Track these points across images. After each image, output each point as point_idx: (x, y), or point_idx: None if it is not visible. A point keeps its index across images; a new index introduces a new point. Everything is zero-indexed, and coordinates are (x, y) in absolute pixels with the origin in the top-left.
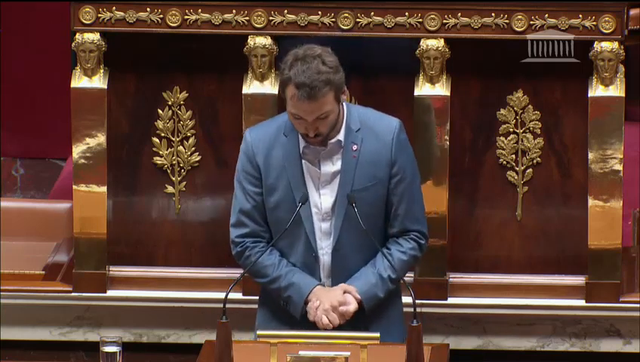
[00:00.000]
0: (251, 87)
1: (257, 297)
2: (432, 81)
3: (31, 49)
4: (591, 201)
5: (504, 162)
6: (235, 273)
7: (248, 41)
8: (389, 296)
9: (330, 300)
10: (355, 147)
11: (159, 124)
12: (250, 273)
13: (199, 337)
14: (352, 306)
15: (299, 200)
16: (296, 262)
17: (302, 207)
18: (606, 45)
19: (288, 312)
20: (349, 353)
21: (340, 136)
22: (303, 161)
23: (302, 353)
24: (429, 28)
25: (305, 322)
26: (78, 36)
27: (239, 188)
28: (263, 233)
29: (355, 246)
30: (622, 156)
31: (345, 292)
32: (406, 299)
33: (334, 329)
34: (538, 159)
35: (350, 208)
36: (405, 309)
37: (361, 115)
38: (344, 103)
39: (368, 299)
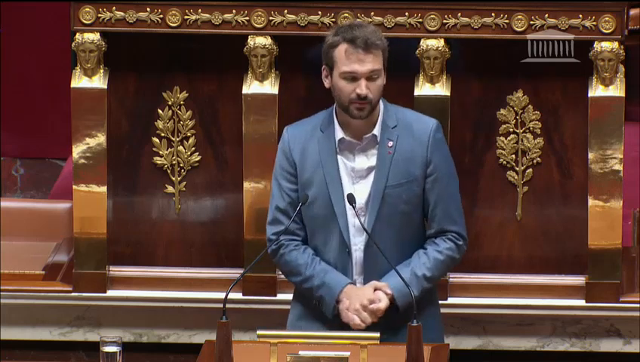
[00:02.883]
0: (251, 87)
1: (258, 297)
2: (432, 81)
3: (31, 49)
4: (591, 201)
5: (504, 162)
6: (235, 273)
7: (248, 41)
8: (426, 296)
9: (360, 299)
10: (390, 143)
11: (159, 124)
12: (283, 272)
13: (199, 337)
14: (383, 303)
15: (299, 200)
16: (330, 258)
17: (335, 203)
18: (606, 45)
19: (320, 311)
20: (349, 353)
21: (376, 131)
22: (339, 156)
23: (302, 353)
24: (429, 28)
25: (337, 321)
26: (78, 36)
27: (276, 186)
28: (298, 231)
29: (388, 244)
30: (622, 156)
31: (375, 289)
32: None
33: (368, 328)
34: (538, 159)
35: (383, 204)
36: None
37: (398, 112)
38: (381, 100)
39: (401, 297)
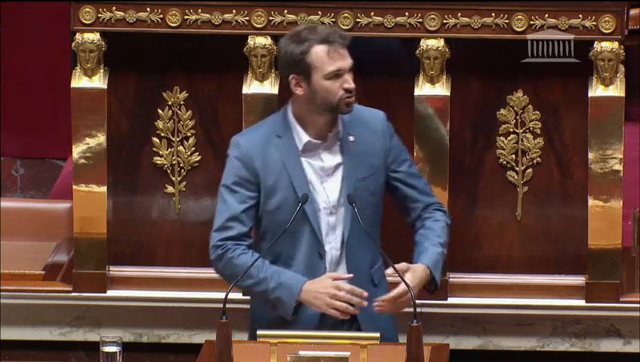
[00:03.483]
0: (251, 87)
1: None
2: (432, 81)
3: (31, 49)
4: (591, 201)
5: (504, 162)
6: None
7: (248, 41)
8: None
9: (329, 288)
10: (352, 138)
11: (159, 124)
12: (229, 276)
13: (199, 337)
14: (401, 287)
15: (299, 200)
16: (298, 261)
17: (305, 205)
18: (606, 45)
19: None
20: (349, 353)
21: (339, 127)
22: (302, 159)
23: (302, 353)
24: (429, 28)
25: (296, 321)
26: (78, 36)
27: (229, 194)
28: (245, 238)
29: (364, 237)
30: (622, 156)
31: (334, 279)
32: None
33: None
34: (538, 159)
35: (358, 197)
36: (405, 309)
37: None
38: None
39: (437, 271)
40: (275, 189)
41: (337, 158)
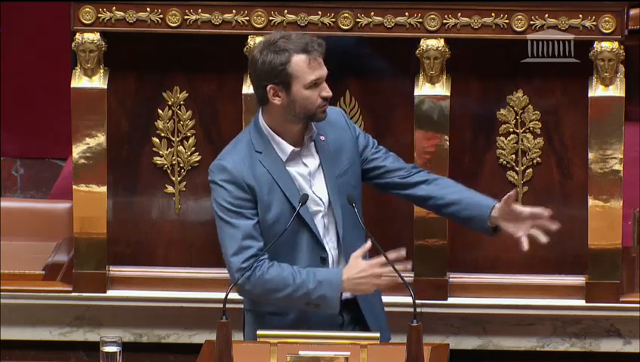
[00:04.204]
0: (251, 87)
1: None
2: (432, 81)
3: (31, 49)
4: (591, 201)
5: (504, 162)
6: None
7: (248, 41)
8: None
9: (364, 266)
10: (323, 137)
11: (159, 124)
12: (264, 292)
13: (199, 337)
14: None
15: (299, 201)
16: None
17: (303, 213)
18: (606, 45)
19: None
20: (349, 353)
21: (314, 129)
22: (288, 168)
23: (302, 353)
24: (429, 28)
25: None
26: (78, 36)
27: (233, 217)
28: (264, 252)
29: (354, 232)
30: (622, 156)
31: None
32: (406, 299)
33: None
34: (538, 159)
35: (339, 195)
36: (405, 309)
37: None
38: None
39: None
40: (270, 204)
41: (317, 160)
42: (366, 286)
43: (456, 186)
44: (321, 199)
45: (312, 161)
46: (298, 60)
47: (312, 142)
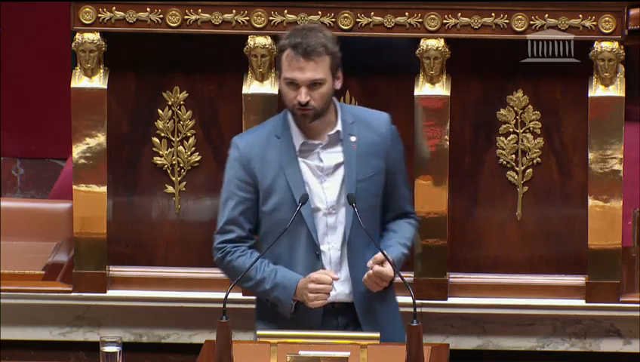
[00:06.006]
0: (251, 87)
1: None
2: (432, 81)
3: (31, 49)
4: (591, 201)
5: (504, 162)
6: None
7: (248, 41)
8: (389, 294)
9: (310, 279)
10: (353, 138)
11: (159, 124)
12: (231, 277)
13: (199, 337)
14: (388, 268)
15: (299, 201)
16: (297, 262)
17: (302, 206)
18: (606, 45)
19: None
20: (349, 353)
21: (338, 127)
22: (300, 159)
23: (302, 353)
24: (429, 28)
25: (295, 320)
26: (78, 36)
27: (228, 198)
28: (246, 240)
29: (364, 239)
30: (622, 156)
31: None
32: (406, 299)
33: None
34: (538, 159)
35: (357, 199)
36: (405, 309)
37: (352, 109)
38: (336, 101)
39: (398, 262)
40: (272, 190)
41: (338, 158)
42: (305, 300)
43: (390, 240)
44: (327, 197)
45: (332, 158)
46: (285, 54)
47: (340, 141)
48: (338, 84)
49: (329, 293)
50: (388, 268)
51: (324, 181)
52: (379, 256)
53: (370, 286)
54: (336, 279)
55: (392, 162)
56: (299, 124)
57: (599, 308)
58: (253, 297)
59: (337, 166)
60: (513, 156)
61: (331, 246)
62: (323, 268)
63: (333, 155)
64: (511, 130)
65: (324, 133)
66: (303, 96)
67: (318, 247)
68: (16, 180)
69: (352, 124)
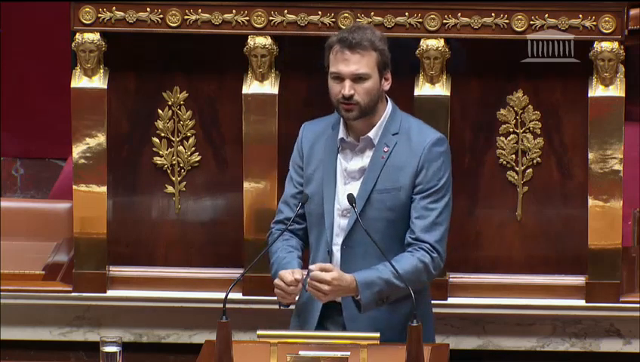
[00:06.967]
0: (251, 87)
1: (258, 297)
2: (432, 81)
3: (31, 49)
4: (591, 201)
5: (504, 162)
6: (235, 273)
7: (248, 41)
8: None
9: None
10: (386, 149)
11: (159, 124)
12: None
13: (199, 337)
14: (329, 275)
15: (301, 200)
16: (319, 255)
17: (326, 202)
18: (606, 45)
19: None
20: (349, 353)
21: (372, 134)
22: (339, 156)
23: (302, 353)
24: (429, 28)
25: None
26: (78, 36)
27: (288, 179)
28: (293, 223)
29: (367, 246)
30: (622, 156)
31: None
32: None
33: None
34: (538, 159)
35: (368, 207)
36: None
37: (404, 120)
38: (391, 104)
39: (366, 290)
40: (310, 180)
41: (365, 163)
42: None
43: (391, 262)
44: (342, 200)
45: (358, 162)
46: (332, 51)
47: (373, 147)
48: (386, 85)
49: (292, 293)
50: (328, 275)
51: (347, 183)
52: (327, 264)
53: (312, 293)
54: (299, 280)
55: (419, 182)
56: (345, 121)
57: (599, 308)
58: (253, 297)
59: (362, 171)
60: (513, 156)
61: (338, 247)
62: (334, 265)
63: (362, 160)
64: (511, 130)
65: (361, 135)
66: (347, 88)
67: (330, 246)
68: (16, 180)
69: (393, 135)
